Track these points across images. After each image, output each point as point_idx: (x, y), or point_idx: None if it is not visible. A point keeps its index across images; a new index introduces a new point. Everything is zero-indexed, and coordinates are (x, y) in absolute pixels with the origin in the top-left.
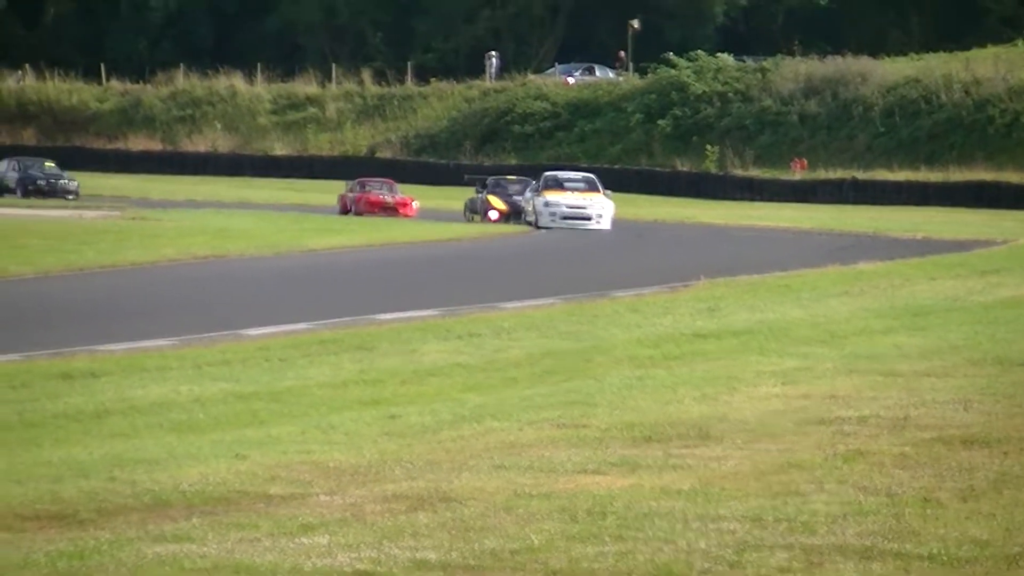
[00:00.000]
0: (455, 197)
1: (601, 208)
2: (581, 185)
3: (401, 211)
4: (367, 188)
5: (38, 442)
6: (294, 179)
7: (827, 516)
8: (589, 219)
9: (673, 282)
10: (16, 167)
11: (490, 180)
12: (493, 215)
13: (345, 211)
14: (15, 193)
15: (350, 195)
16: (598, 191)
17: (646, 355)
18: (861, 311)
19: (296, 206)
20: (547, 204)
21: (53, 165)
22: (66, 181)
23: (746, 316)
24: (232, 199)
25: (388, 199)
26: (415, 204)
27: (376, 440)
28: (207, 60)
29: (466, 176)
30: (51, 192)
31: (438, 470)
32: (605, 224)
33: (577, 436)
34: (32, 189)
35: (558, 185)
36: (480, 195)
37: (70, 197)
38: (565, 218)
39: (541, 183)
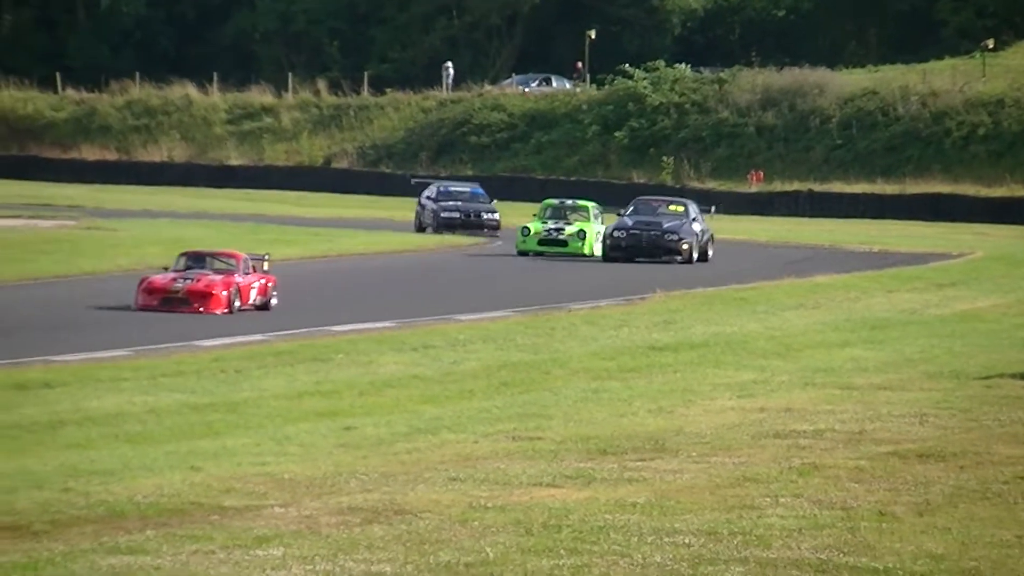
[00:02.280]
0: (410, 208)
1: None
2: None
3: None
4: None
5: None
6: (250, 189)
7: (782, 530)
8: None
9: (629, 295)
10: None
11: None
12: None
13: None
14: None
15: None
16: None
17: (602, 367)
18: (817, 324)
19: (252, 216)
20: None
21: None
22: None
23: (702, 329)
24: (187, 209)
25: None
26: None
27: (331, 452)
28: (164, 69)
29: (413, 180)
30: None
31: (393, 482)
32: None
33: (532, 449)
34: None
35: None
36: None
37: None
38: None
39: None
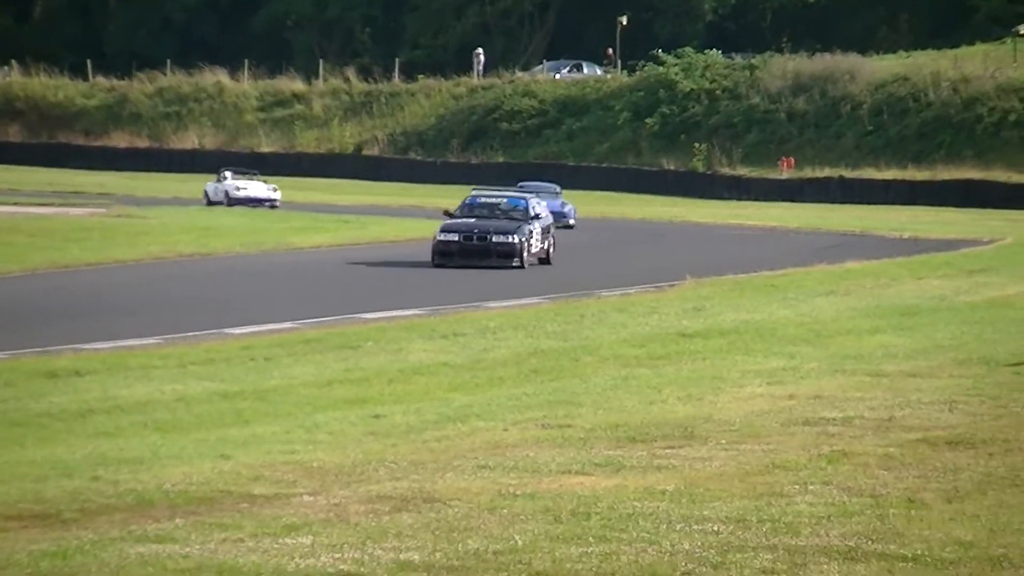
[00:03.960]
0: (441, 195)
1: None
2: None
3: None
4: None
5: (21, 441)
6: (281, 176)
7: (811, 517)
8: None
9: (659, 282)
10: None
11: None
12: None
13: None
14: None
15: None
16: None
17: (632, 355)
18: (847, 310)
19: (283, 203)
20: None
21: None
22: None
23: (732, 316)
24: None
25: None
26: None
27: (360, 440)
28: (197, 56)
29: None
30: None
31: (422, 470)
32: None
33: (562, 436)
34: None
35: None
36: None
37: None
38: None
39: None
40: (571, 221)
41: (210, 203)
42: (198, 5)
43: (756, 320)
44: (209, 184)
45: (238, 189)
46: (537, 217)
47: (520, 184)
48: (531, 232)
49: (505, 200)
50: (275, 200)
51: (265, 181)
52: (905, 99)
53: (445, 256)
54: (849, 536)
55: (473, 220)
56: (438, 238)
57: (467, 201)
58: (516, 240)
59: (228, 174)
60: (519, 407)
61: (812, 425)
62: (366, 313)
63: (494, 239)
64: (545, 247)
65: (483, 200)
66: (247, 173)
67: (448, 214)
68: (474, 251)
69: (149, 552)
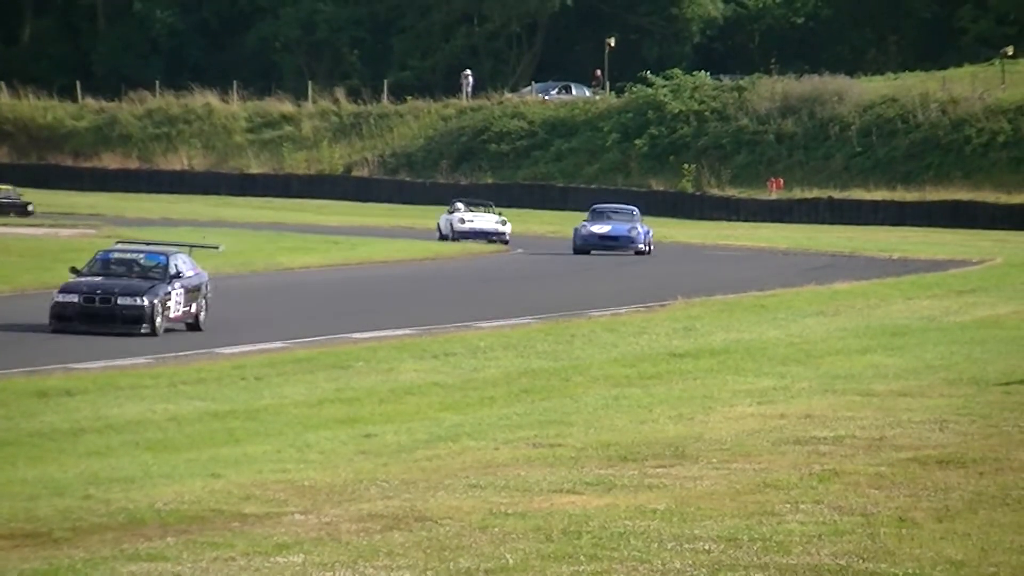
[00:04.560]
0: (430, 216)
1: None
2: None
3: None
4: None
5: (12, 460)
6: (271, 197)
7: (802, 536)
8: None
9: (649, 302)
10: None
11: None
12: None
13: None
14: None
15: None
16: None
17: (622, 374)
18: (837, 331)
19: (272, 224)
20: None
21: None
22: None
23: (722, 336)
24: (208, 217)
25: None
26: None
27: (352, 459)
28: (184, 77)
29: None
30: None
31: (413, 489)
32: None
33: (553, 455)
34: None
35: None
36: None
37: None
38: None
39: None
40: (641, 246)
41: (442, 237)
42: (186, 27)
43: (746, 340)
44: (442, 216)
45: (463, 222)
46: (178, 276)
47: (594, 207)
48: (168, 293)
49: (143, 256)
50: (504, 234)
51: (499, 213)
52: (894, 120)
53: (63, 320)
54: (840, 555)
55: (99, 279)
56: (55, 299)
57: (98, 256)
58: (146, 302)
59: (460, 205)
60: (510, 426)
61: (803, 444)
62: (357, 333)
63: (119, 301)
64: (192, 310)
65: (117, 256)
66: (481, 205)
67: (75, 271)
68: (97, 315)
69: (141, 571)
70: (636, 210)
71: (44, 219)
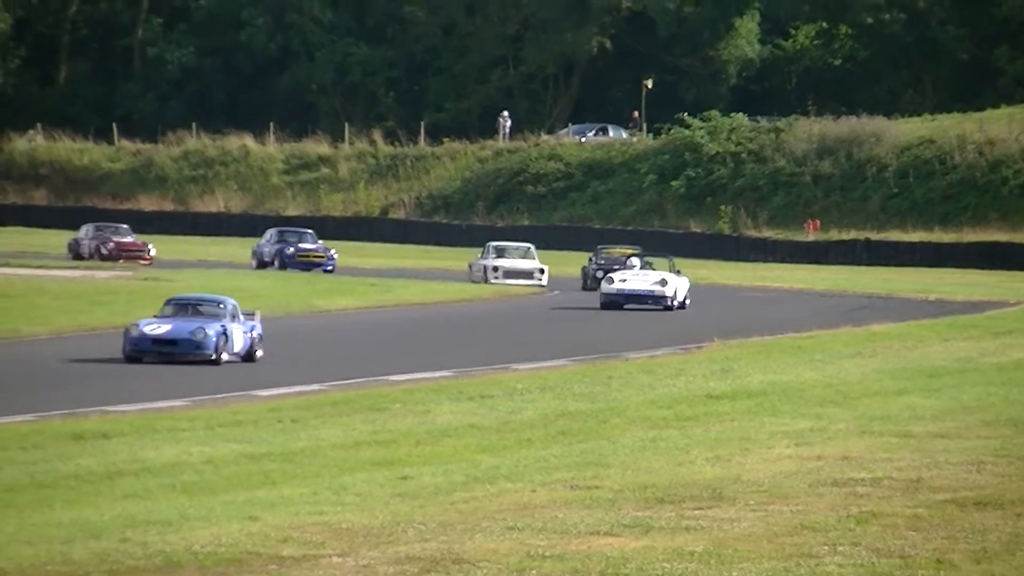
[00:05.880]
0: (466, 257)
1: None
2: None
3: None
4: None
5: (49, 503)
6: None
7: None
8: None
9: (686, 343)
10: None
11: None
12: None
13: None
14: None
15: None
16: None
17: (659, 416)
18: (874, 372)
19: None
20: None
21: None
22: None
23: (759, 377)
24: (244, 259)
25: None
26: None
27: (388, 501)
28: (219, 120)
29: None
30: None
31: (451, 531)
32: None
33: (590, 497)
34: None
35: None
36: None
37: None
38: None
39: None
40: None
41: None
42: (222, 70)
43: (783, 381)
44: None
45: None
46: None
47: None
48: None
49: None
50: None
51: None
52: (931, 161)
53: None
54: None
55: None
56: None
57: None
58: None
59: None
60: (547, 468)
61: (840, 486)
62: (394, 375)
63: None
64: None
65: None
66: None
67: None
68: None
69: None
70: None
71: (80, 261)
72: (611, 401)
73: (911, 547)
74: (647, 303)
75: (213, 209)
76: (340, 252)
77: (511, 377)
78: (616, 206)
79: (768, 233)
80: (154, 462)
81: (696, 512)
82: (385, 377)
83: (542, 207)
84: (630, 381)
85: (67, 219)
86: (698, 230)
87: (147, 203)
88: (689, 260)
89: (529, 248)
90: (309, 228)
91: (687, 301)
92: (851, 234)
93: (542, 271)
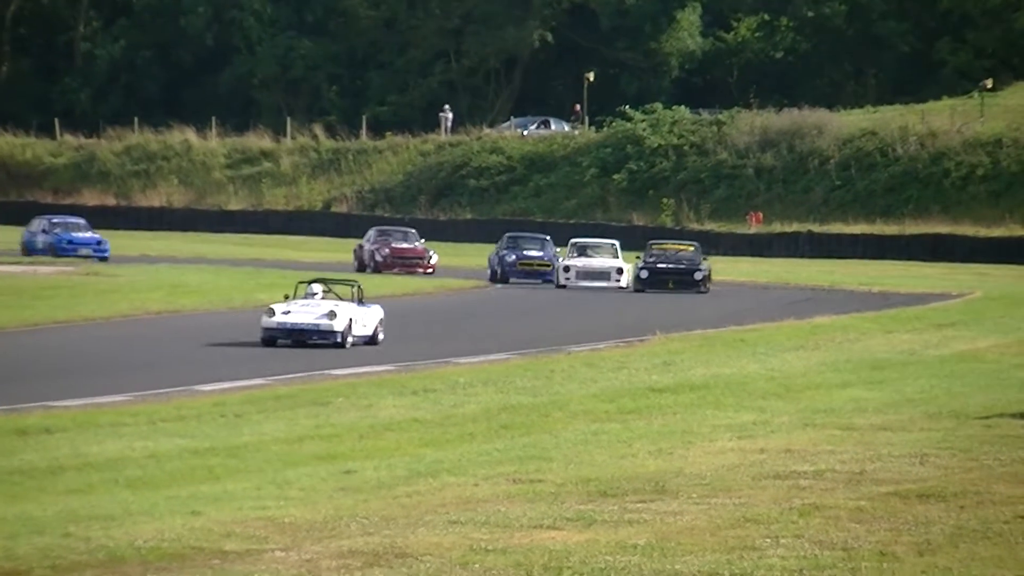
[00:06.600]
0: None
1: None
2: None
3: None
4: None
5: None
6: (249, 234)
7: (783, 571)
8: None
9: (628, 337)
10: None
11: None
12: None
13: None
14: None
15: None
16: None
17: (602, 410)
18: (817, 365)
19: (251, 261)
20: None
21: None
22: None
23: (702, 370)
24: (187, 254)
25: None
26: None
27: (332, 496)
28: (158, 114)
29: None
30: None
31: (394, 525)
32: None
33: (533, 491)
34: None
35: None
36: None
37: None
38: None
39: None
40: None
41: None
42: (164, 64)
43: (726, 374)
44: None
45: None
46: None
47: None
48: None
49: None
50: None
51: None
52: (873, 154)
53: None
54: None
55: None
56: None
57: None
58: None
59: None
60: (490, 462)
61: (783, 479)
62: (336, 369)
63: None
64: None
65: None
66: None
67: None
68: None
69: None
70: (615, 243)
71: (22, 256)
72: (554, 395)
73: (854, 539)
74: (313, 339)
75: (156, 204)
76: (283, 246)
77: (453, 371)
78: (558, 199)
79: (710, 226)
80: (97, 457)
81: (639, 505)
82: (328, 372)
83: (484, 200)
84: (573, 375)
85: (10, 214)
86: (640, 223)
87: (90, 198)
88: (632, 253)
89: (614, 244)
90: (254, 223)
91: (379, 334)
92: (793, 226)
93: (620, 271)
